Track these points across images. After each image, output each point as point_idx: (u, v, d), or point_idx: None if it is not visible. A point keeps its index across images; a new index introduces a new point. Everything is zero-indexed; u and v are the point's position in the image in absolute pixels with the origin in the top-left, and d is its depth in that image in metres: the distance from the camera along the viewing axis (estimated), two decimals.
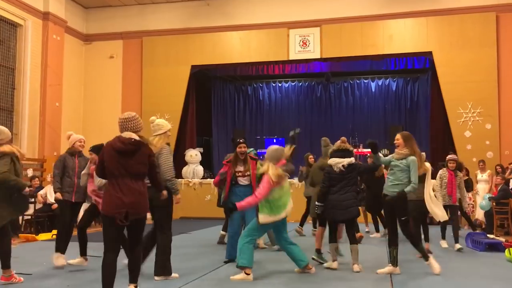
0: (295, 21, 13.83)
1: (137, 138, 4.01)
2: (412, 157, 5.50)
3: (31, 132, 12.65)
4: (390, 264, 5.54)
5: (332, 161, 5.87)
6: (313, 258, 6.05)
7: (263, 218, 5.24)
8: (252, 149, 7.25)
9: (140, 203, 3.98)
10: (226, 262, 6.06)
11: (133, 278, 4.15)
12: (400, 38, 13.33)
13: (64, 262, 5.84)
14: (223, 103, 17.89)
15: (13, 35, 12.59)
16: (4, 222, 4.86)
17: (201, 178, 13.50)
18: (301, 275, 5.46)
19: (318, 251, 6.19)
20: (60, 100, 13.56)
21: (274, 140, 14.65)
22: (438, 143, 13.90)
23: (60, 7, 13.64)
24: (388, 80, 17.36)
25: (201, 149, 14.81)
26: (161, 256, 5.07)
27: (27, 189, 4.97)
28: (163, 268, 5.07)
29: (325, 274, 5.54)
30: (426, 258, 5.58)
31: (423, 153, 7.54)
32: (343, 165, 5.77)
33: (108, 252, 3.96)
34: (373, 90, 17.50)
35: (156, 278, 5.04)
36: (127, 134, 4.02)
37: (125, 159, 3.93)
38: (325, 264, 5.81)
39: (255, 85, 18.27)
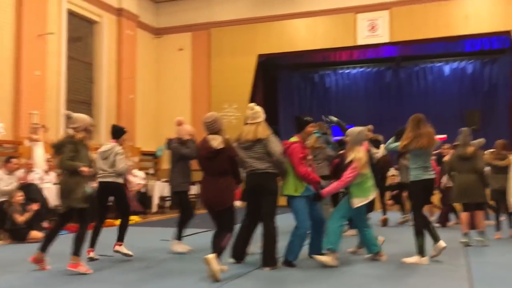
0: (362, 5, 13.46)
1: (217, 146, 4.71)
2: None
3: (108, 124, 13.29)
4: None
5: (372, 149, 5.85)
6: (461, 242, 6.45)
7: (358, 201, 5.23)
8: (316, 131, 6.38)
9: (221, 196, 4.73)
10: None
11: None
12: (476, 17, 12.58)
13: (184, 249, 6.04)
14: (289, 92, 17.85)
15: (90, 32, 13.32)
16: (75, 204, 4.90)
17: None
18: (369, 263, 5.37)
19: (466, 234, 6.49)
20: (134, 93, 14.20)
21: None
22: None
23: (132, 3, 14.22)
24: (463, 63, 16.46)
25: None
26: (268, 246, 4.99)
27: (83, 168, 4.85)
28: (271, 259, 4.98)
29: (397, 264, 5.42)
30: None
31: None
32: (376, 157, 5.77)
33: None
34: (447, 73, 16.68)
35: (265, 268, 4.94)
36: (211, 139, 4.78)
37: (210, 160, 4.78)
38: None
39: (321, 73, 18.04)
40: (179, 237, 6.09)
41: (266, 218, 5.06)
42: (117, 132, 5.84)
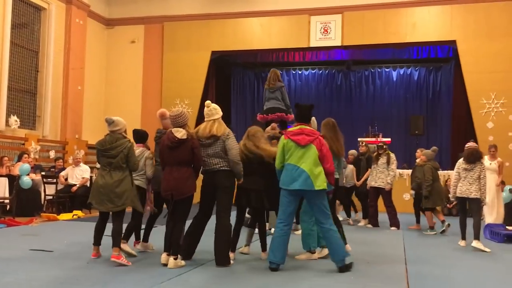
0: (316, 8, 13.69)
1: (181, 137, 4.90)
2: None
3: (53, 115, 12.88)
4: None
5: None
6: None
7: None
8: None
9: (182, 186, 4.88)
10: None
11: (173, 251, 4.90)
12: (423, 26, 13.11)
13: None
14: (242, 90, 17.89)
15: (37, 19, 12.77)
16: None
17: None
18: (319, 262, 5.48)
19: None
20: (82, 84, 13.76)
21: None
22: (460, 134, 13.71)
23: None
24: (410, 69, 17.11)
25: None
26: (222, 244, 5.01)
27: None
28: (226, 257, 5.00)
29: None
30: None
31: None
32: None
33: (169, 221, 5.07)
34: (395, 79, 17.28)
35: (217, 266, 4.96)
36: (175, 131, 4.96)
37: (173, 151, 4.94)
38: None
39: None
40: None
41: (222, 212, 5.06)
42: (142, 137, 5.85)
